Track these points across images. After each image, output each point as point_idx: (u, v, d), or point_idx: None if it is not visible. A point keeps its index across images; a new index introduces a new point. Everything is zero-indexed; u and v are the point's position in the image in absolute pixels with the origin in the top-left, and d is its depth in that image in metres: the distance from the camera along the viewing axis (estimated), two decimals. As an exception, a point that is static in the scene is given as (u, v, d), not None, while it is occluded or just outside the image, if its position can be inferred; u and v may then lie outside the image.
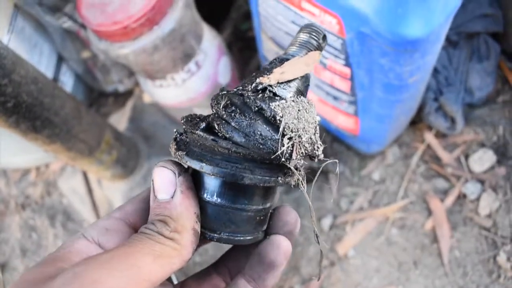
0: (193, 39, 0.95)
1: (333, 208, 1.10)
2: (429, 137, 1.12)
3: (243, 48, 1.32)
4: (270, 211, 0.45)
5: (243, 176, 0.39)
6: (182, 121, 0.43)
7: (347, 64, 0.80)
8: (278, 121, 0.39)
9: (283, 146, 0.38)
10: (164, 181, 0.40)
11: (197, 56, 0.99)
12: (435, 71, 1.09)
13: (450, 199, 1.07)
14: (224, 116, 0.40)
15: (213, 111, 0.42)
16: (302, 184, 0.40)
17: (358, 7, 0.68)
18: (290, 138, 0.39)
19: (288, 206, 0.44)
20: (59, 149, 0.90)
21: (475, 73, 1.10)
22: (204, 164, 0.39)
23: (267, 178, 0.39)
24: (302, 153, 0.40)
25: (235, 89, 0.42)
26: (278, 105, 0.39)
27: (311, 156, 0.41)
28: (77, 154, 0.95)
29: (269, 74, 0.42)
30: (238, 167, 0.39)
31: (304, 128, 0.40)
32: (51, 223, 1.30)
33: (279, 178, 0.40)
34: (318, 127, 0.41)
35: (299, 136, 0.39)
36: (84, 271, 0.31)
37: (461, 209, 1.07)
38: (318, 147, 0.41)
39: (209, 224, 0.41)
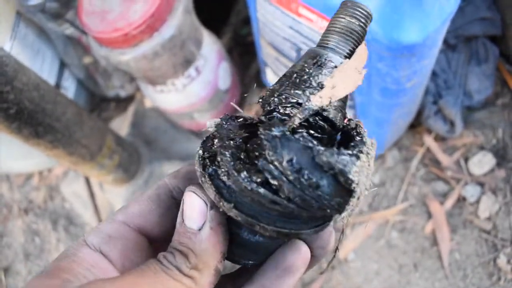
0: (193, 44, 0.96)
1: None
2: (429, 140, 1.13)
3: (243, 53, 1.33)
4: None
5: (299, 235, 0.35)
6: (219, 147, 0.35)
7: (345, 69, 0.81)
8: (352, 188, 0.32)
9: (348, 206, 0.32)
10: (195, 209, 0.36)
11: (197, 62, 1.00)
12: (434, 74, 1.09)
13: (450, 202, 1.08)
14: (290, 177, 0.32)
15: (266, 153, 0.32)
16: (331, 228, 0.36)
17: (355, 13, 0.68)
18: (358, 198, 0.32)
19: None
20: (61, 154, 0.91)
21: (474, 76, 1.11)
22: (256, 222, 0.34)
23: (312, 230, 0.35)
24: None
25: (278, 113, 0.35)
26: (356, 171, 0.32)
27: None
28: (79, 159, 0.96)
29: (319, 89, 0.35)
30: (293, 229, 0.34)
31: (368, 184, 0.33)
32: (53, 227, 1.31)
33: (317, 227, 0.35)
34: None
35: (362, 192, 0.33)
36: None
37: (461, 212, 1.07)
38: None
39: (235, 251, 0.37)
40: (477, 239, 1.05)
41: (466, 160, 1.11)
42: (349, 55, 0.36)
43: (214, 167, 0.35)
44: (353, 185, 0.32)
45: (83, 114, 0.94)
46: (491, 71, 1.13)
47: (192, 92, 1.03)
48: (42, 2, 1.02)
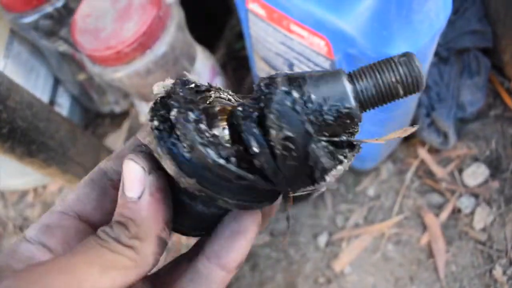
0: (186, 61, 0.97)
1: (328, 225, 1.10)
2: (423, 152, 1.13)
3: (237, 68, 1.34)
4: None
5: (257, 207, 0.35)
6: (174, 89, 0.33)
7: (337, 84, 0.82)
8: (318, 182, 0.33)
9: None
10: (133, 177, 0.33)
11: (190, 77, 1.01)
12: (427, 87, 1.10)
13: (445, 214, 1.08)
14: (277, 150, 0.31)
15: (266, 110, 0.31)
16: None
17: (345, 29, 0.69)
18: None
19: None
20: (55, 172, 0.91)
21: (466, 88, 1.12)
22: (219, 196, 0.33)
23: (266, 202, 0.35)
24: None
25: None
26: (333, 174, 0.32)
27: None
28: (73, 176, 0.96)
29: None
30: (254, 201, 0.34)
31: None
32: (49, 244, 1.30)
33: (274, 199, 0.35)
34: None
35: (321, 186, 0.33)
36: None
37: (456, 223, 1.07)
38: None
39: (186, 223, 0.36)
40: (472, 250, 1.05)
41: (460, 171, 1.11)
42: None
43: (172, 140, 0.32)
44: (322, 182, 0.32)
45: (77, 131, 0.94)
46: (483, 83, 1.14)
47: (186, 107, 1.03)
48: (35, 19, 1.03)
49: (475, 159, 1.12)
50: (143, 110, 1.07)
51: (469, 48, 1.14)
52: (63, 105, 1.30)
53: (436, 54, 1.11)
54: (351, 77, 0.34)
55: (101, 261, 0.30)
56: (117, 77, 0.88)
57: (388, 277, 1.05)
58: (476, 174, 1.10)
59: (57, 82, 1.27)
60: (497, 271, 1.02)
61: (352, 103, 0.33)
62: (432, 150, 1.14)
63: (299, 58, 0.83)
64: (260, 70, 1.03)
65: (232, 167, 0.31)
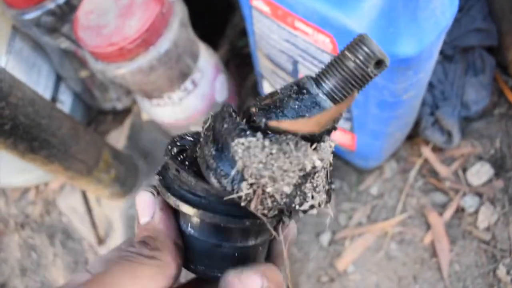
0: (189, 58, 0.96)
1: (331, 224, 1.10)
2: (426, 151, 1.12)
3: (240, 65, 1.33)
4: (261, 248, 0.40)
5: (205, 214, 0.36)
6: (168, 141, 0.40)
7: (342, 81, 0.81)
8: (236, 162, 0.32)
9: (242, 191, 0.32)
10: (145, 204, 0.39)
11: (194, 75, 1.00)
12: (431, 85, 1.10)
13: (449, 213, 1.07)
14: (201, 140, 0.36)
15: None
16: (272, 232, 0.36)
17: (351, 26, 0.68)
18: (251, 185, 0.32)
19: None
20: (58, 169, 0.91)
21: (471, 87, 1.11)
22: (169, 194, 0.37)
23: (230, 218, 0.36)
24: (268, 204, 0.33)
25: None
26: (243, 143, 0.32)
27: (284, 210, 0.35)
28: (75, 173, 0.96)
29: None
30: (201, 202, 0.36)
31: (273, 177, 0.32)
32: (50, 242, 1.30)
33: (247, 220, 0.36)
34: (314, 177, 0.34)
35: (263, 186, 0.32)
36: None
37: (459, 222, 1.07)
38: (300, 202, 0.34)
39: (186, 254, 0.39)
40: (476, 250, 1.04)
41: (464, 170, 1.11)
42: (337, 100, 0.36)
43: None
44: (236, 157, 0.33)
45: (79, 128, 0.93)
46: (488, 81, 1.13)
47: (189, 105, 1.03)
48: (37, 16, 1.02)
49: (479, 158, 1.11)
50: (145, 107, 1.06)
51: (474, 46, 1.13)
52: (65, 102, 1.29)
53: (441, 52, 1.10)
54: (317, 81, 0.36)
55: (130, 272, 0.35)
56: (119, 74, 0.88)
57: (391, 276, 1.05)
58: (480, 173, 1.09)
59: (59, 79, 1.26)
60: (501, 271, 1.01)
61: (327, 105, 0.35)
62: (436, 149, 1.13)
63: (303, 56, 0.82)
64: (264, 67, 1.02)
65: (172, 162, 0.37)
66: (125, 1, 0.87)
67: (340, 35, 0.71)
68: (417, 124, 1.09)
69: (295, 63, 0.87)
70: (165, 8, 0.86)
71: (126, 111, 1.42)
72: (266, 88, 1.12)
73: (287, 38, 0.82)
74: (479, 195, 1.08)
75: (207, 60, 1.04)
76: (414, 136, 1.12)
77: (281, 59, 0.90)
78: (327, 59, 0.78)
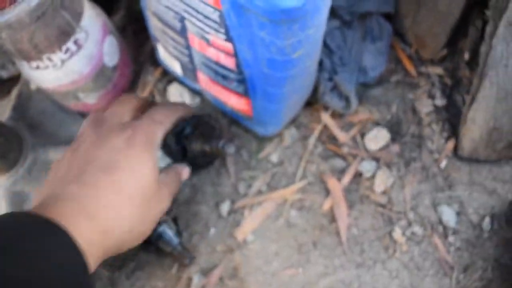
0: (69, 15, 0.88)
1: (231, 193, 1.07)
2: (326, 117, 1.12)
3: (138, 30, 1.25)
4: None
5: None
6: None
7: (228, 38, 0.77)
8: None
9: None
10: None
11: (77, 35, 0.92)
12: (330, 51, 1.09)
13: (347, 178, 1.08)
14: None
15: None
16: None
17: (231, -26, 0.64)
18: None
19: None
20: None
21: (368, 53, 1.11)
22: None
23: None
24: None
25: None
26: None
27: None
28: None
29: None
30: None
31: None
32: None
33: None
34: None
35: None
36: None
37: (357, 187, 1.08)
38: None
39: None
40: (373, 213, 1.06)
41: (362, 136, 1.12)
42: None
43: None
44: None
45: None
46: (385, 48, 1.14)
47: (73, 68, 0.94)
48: None
49: (377, 124, 1.13)
50: (25, 71, 0.97)
51: (372, 12, 1.13)
52: None
53: (340, 17, 1.09)
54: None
55: None
56: (-16, 29, 0.78)
57: (291, 243, 1.04)
58: (377, 139, 1.11)
59: None
60: (397, 233, 1.04)
61: None
62: (335, 115, 1.13)
63: (188, 11, 0.77)
64: (155, 28, 0.96)
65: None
66: None
67: (221, -15, 0.67)
68: (316, 89, 1.08)
69: (182, 19, 0.82)
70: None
71: (14, 80, 1.30)
72: (162, 53, 1.06)
73: (170, -10, 0.77)
74: (376, 159, 1.09)
75: (93, 19, 0.95)
76: (313, 102, 1.11)
77: (168, 16, 0.84)
78: (210, 12, 0.73)
